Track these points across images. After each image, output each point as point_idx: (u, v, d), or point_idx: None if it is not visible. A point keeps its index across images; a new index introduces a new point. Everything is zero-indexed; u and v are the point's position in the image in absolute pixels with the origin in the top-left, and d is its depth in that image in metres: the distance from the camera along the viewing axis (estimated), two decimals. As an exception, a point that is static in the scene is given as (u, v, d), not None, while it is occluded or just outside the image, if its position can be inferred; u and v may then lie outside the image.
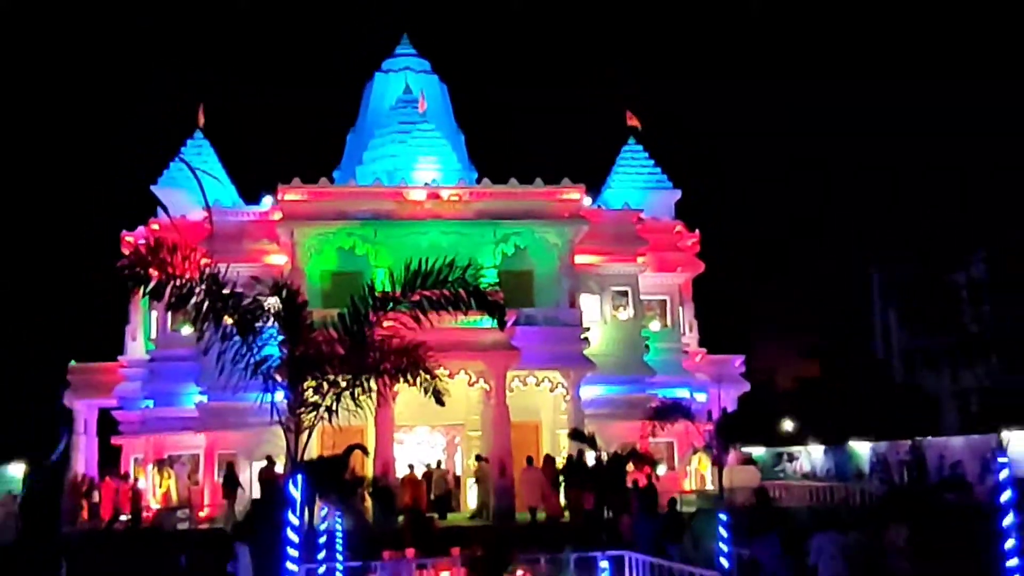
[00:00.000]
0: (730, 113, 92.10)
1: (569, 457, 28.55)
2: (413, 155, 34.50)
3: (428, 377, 9.21)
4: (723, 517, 15.18)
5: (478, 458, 29.64)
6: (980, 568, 12.66)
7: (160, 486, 30.22)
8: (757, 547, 17.07)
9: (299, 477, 7.99)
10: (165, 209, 28.14)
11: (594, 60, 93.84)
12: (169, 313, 28.33)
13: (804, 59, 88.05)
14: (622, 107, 39.30)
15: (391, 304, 8.69)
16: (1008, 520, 8.48)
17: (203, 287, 8.12)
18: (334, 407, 8.40)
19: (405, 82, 37.25)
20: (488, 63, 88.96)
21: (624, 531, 23.17)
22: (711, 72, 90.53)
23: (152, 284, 8.16)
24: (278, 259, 32.20)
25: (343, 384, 8.34)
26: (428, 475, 29.10)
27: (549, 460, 28.63)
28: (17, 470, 34.88)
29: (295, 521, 7.78)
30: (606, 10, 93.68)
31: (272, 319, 8.50)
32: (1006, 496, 8.48)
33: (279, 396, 8.83)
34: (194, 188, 35.41)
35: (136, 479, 31.32)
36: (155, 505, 29.67)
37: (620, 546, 20.17)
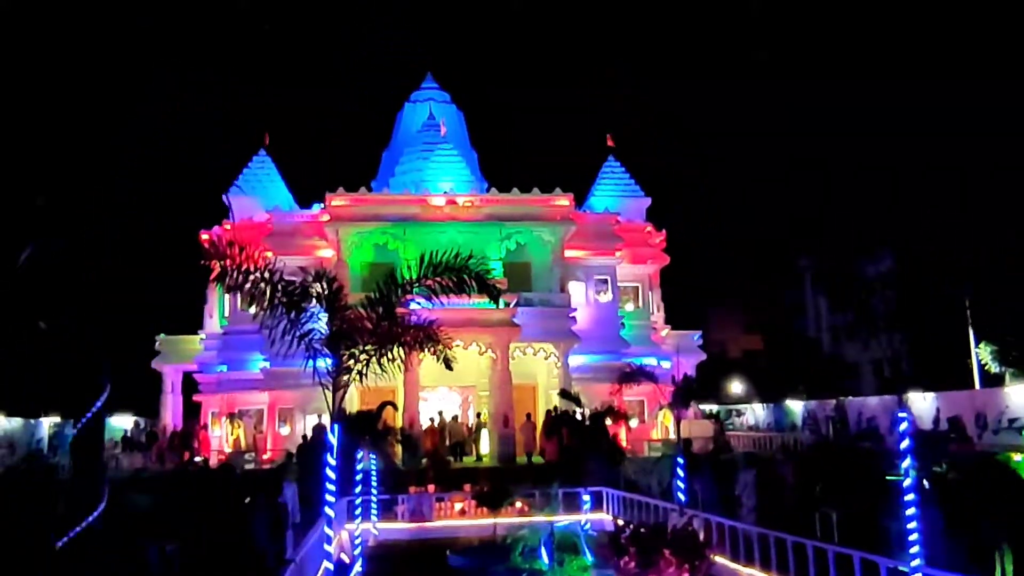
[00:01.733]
0: (699, 119, 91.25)
1: (547, 412, 28.70)
2: (435, 169, 34.44)
3: (440, 347, 9.22)
4: (680, 460, 15.22)
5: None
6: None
7: (232, 434, 30.32)
8: (698, 482, 17.17)
9: (336, 427, 8.00)
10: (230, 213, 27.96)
11: (586, 68, 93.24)
12: (237, 296, 28.23)
13: (777, 60, 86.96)
14: (607, 124, 39.38)
15: (410, 288, 8.69)
16: (907, 462, 8.49)
17: (258, 275, 8.13)
18: (364, 371, 8.41)
19: (429, 110, 37.15)
20: (498, 92, 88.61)
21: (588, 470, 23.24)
22: (690, 71, 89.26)
23: (215, 273, 8.18)
24: (326, 252, 32.18)
25: (372, 352, 8.34)
26: (446, 426, 29.15)
27: (548, 414, 28.70)
28: (121, 421, 35.15)
29: (332, 462, 7.79)
30: (601, 14, 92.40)
31: (315, 300, 8.50)
32: (905, 443, 8.48)
33: (322, 363, 8.81)
34: (260, 192, 35.51)
35: (210, 428, 31.39)
36: (227, 449, 29.78)
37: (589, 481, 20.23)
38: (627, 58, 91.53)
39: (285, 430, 31.14)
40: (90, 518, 5.70)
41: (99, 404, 6.22)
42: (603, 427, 26.56)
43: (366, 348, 8.26)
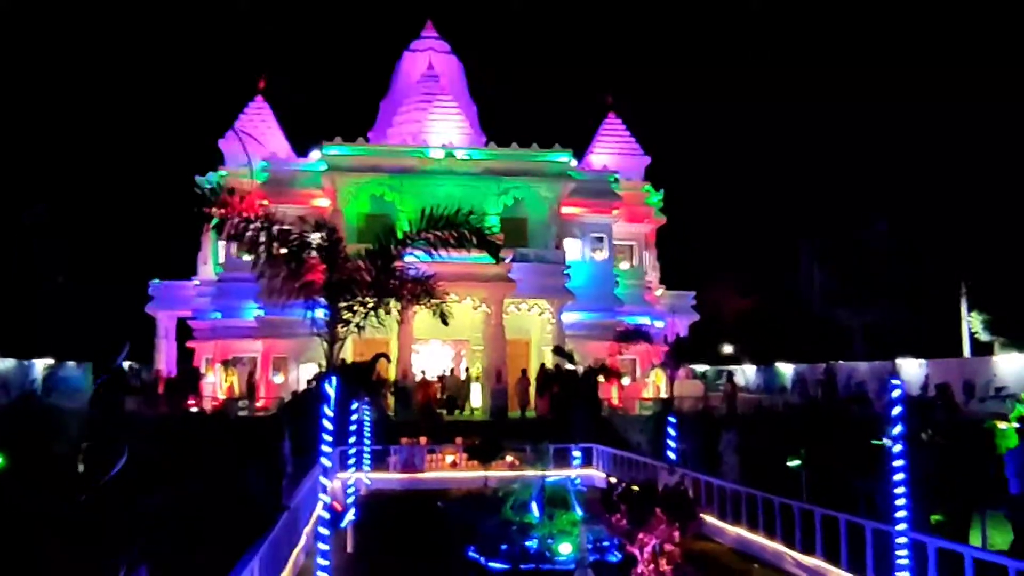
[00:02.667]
0: (705, 89, 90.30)
1: (541, 367, 28.86)
2: (434, 121, 34.12)
3: (436, 301, 9.21)
4: (672, 419, 15.32)
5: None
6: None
7: (226, 381, 30.42)
8: (687, 441, 17.35)
9: (333, 378, 8.02)
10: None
11: (588, 22, 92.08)
12: (232, 243, 28.03)
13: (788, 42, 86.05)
14: (609, 81, 39.02)
15: (409, 241, 8.64)
16: (897, 428, 8.57)
17: (258, 224, 8.06)
18: (362, 323, 8.40)
19: (429, 60, 36.66)
20: (499, 42, 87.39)
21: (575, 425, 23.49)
22: (694, 27, 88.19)
23: (216, 220, 8.11)
24: (322, 202, 32.00)
25: (370, 304, 8.32)
26: (442, 379, 29.30)
27: (544, 370, 28.85)
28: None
29: (329, 413, 7.82)
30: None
31: (314, 251, 8.46)
32: (897, 410, 8.54)
33: (320, 313, 8.79)
34: (256, 139, 35.12)
35: (204, 375, 31.43)
36: (221, 396, 29.91)
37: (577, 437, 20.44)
38: (630, 13, 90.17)
39: (279, 378, 31.28)
40: (113, 471, 5.70)
41: (120, 360, 6.19)
42: (594, 384, 26.73)
43: (365, 300, 8.24)
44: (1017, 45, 66.30)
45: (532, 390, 28.21)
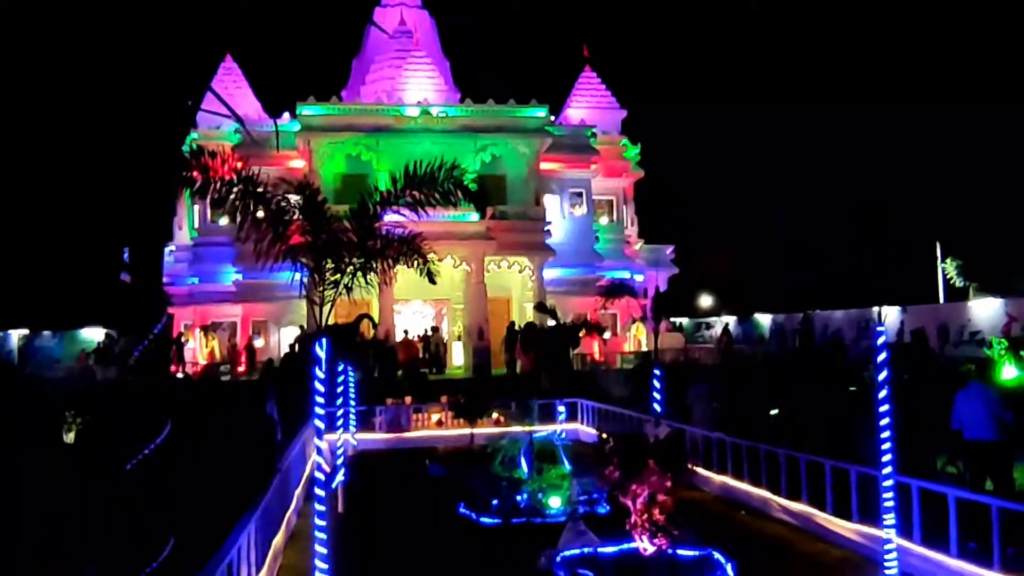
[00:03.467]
0: (677, 30, 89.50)
1: (528, 324, 28.90)
2: (408, 78, 33.63)
3: (423, 261, 9.14)
4: (656, 372, 15.44)
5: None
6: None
7: (206, 346, 30.26)
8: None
9: (324, 340, 7.97)
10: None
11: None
12: (209, 207, 27.69)
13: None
14: (584, 34, 38.61)
15: (393, 200, 8.55)
16: (883, 374, 8.67)
17: (239, 187, 7.92)
18: (350, 284, 8.33)
19: (400, 15, 36.02)
20: None
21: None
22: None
23: (198, 184, 7.96)
24: (297, 163, 31.58)
25: (357, 265, 8.25)
26: (426, 339, 29.31)
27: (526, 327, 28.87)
28: (92, 333, 34.81)
29: (321, 375, 7.78)
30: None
31: (297, 212, 8.34)
32: (881, 356, 8.64)
33: (304, 276, 8.69)
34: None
35: (186, 340, 31.14)
36: (202, 361, 29.77)
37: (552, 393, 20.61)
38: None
39: (259, 342, 31.15)
40: (157, 440, 5.61)
41: (158, 328, 6.04)
42: (572, 340, 26.72)
43: (352, 261, 8.15)
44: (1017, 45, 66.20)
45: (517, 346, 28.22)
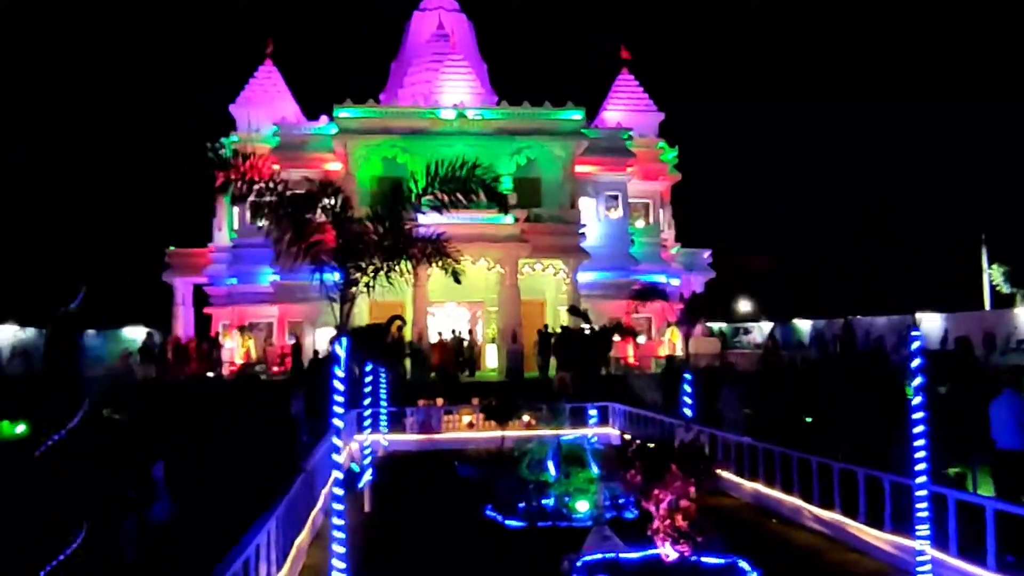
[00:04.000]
0: (716, 33, 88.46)
1: (563, 328, 28.76)
2: (444, 81, 33.71)
3: (448, 261, 9.10)
4: (688, 376, 15.25)
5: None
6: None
7: (242, 346, 30.61)
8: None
9: (344, 340, 7.96)
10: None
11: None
12: (247, 209, 27.97)
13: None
14: (623, 36, 38.38)
15: (417, 200, 8.52)
16: (918, 380, 8.42)
17: (263, 186, 7.96)
18: (372, 284, 8.32)
19: (439, 19, 36.16)
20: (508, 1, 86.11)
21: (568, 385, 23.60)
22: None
23: (222, 185, 8.03)
24: (334, 166, 31.79)
25: (378, 265, 8.24)
26: (460, 341, 29.30)
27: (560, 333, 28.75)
28: (134, 332, 35.43)
29: (340, 374, 7.78)
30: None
31: (321, 212, 8.35)
32: (916, 362, 8.39)
33: (330, 276, 8.70)
34: (267, 104, 34.95)
35: (218, 339, 31.47)
36: (239, 361, 30.11)
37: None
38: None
39: (292, 341, 31.39)
40: (71, 423, 5.49)
41: (75, 304, 5.93)
42: (605, 344, 26.55)
43: (373, 261, 8.14)
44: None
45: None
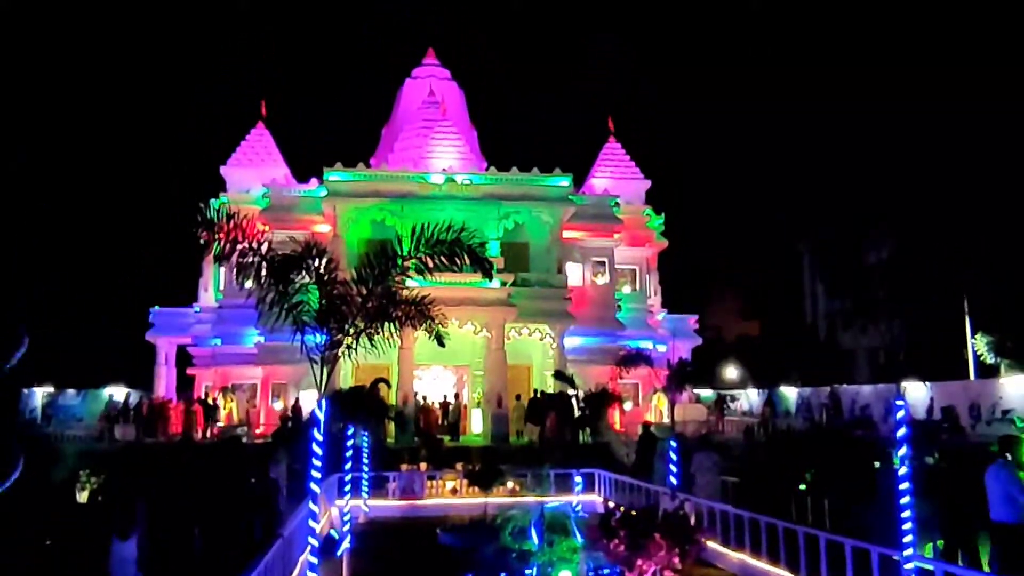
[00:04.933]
0: (700, 101, 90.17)
1: (534, 392, 28.65)
2: (434, 146, 34.17)
3: (431, 323, 9.06)
4: (672, 444, 15.09)
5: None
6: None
7: (224, 408, 30.19)
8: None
9: (323, 402, 7.85)
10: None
11: (588, 49, 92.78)
12: (233, 270, 27.75)
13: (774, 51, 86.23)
14: (606, 109, 39.08)
15: (402, 262, 8.52)
16: (903, 450, 8.37)
17: (246, 246, 7.95)
18: (355, 346, 8.26)
19: (430, 87, 36.79)
20: (499, 70, 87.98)
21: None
22: (692, 53, 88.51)
23: (207, 244, 8.01)
24: (323, 228, 31.91)
25: (361, 327, 8.19)
26: (445, 405, 29.04)
27: (531, 400, 28.61)
28: (115, 392, 34.93)
29: (319, 437, 7.65)
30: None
31: (304, 273, 8.33)
32: (902, 431, 8.35)
33: (313, 338, 8.62)
34: (258, 166, 35.22)
35: (214, 401, 31.04)
36: (220, 423, 29.65)
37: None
38: (629, 39, 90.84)
39: (278, 405, 31.05)
40: (3, 486, 5.06)
41: (16, 355, 5.38)
42: (595, 411, 26.41)
43: (355, 323, 8.09)
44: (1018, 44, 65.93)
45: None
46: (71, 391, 35.30)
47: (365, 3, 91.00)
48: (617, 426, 29.49)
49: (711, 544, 13.93)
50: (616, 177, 37.24)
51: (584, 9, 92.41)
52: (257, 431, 29.09)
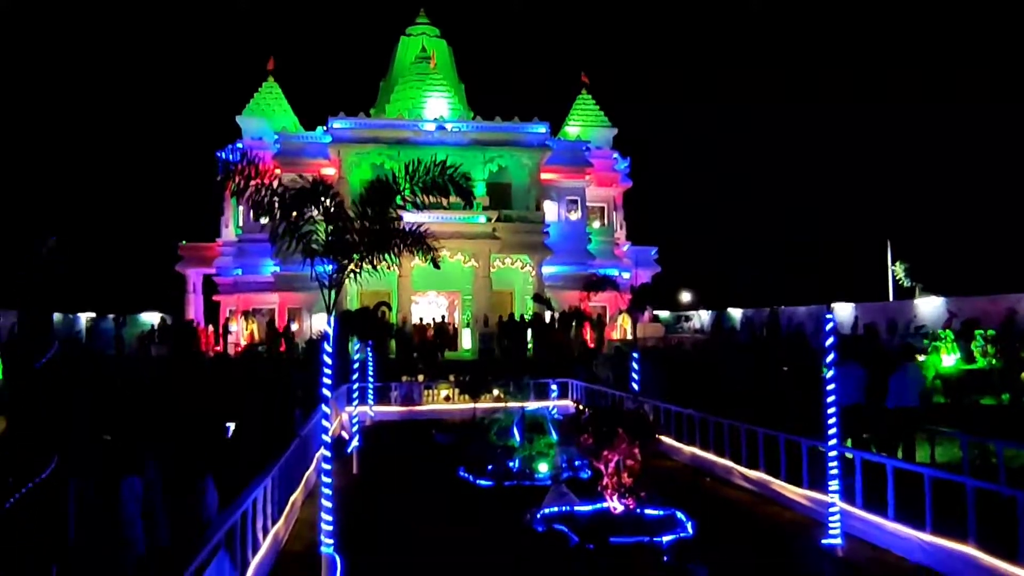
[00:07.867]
0: (672, 67, 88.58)
1: (510, 316, 28.81)
2: (427, 98, 33.47)
3: (427, 251, 9.01)
4: (635, 355, 15.31)
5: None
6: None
7: (246, 329, 30.18)
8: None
9: (333, 322, 7.86)
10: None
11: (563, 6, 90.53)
12: (250, 204, 27.40)
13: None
14: (583, 57, 38.42)
15: (399, 198, 8.43)
16: (830, 357, 8.52)
17: (260, 181, 7.83)
18: (359, 271, 8.21)
19: (422, 44, 35.82)
20: (485, 27, 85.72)
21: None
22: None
23: (225, 179, 7.88)
24: (329, 171, 31.40)
25: (364, 255, 8.13)
26: (439, 325, 29.17)
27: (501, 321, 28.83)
28: (150, 317, 34.79)
29: (329, 349, 7.68)
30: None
31: (313, 207, 8.22)
32: (829, 340, 8.49)
33: (322, 267, 8.55)
34: (269, 115, 34.44)
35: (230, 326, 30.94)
36: (243, 342, 29.68)
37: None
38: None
39: (294, 326, 31.06)
40: (46, 357, 4.70)
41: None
42: (563, 327, 26.61)
43: (360, 252, 8.03)
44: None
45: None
46: (111, 316, 35.04)
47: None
48: (590, 342, 29.81)
49: (667, 439, 14.29)
50: (587, 125, 36.76)
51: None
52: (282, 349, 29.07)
